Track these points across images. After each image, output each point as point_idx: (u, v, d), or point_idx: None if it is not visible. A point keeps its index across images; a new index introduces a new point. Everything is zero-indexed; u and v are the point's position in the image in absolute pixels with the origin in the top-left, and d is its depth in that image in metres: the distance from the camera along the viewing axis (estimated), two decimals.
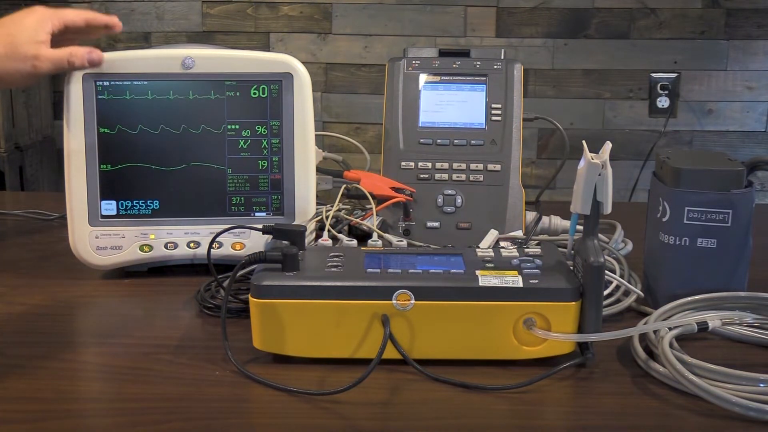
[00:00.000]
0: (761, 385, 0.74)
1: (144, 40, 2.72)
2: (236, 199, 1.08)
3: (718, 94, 2.69)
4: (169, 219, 1.07)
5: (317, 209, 1.11)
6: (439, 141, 1.17)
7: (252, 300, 0.81)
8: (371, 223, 1.11)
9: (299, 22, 2.70)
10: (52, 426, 0.72)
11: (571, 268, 0.85)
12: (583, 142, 0.84)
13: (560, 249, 0.90)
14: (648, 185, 1.01)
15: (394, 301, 0.80)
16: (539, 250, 0.88)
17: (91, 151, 1.05)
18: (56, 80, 2.67)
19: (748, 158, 0.96)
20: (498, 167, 1.15)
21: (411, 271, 0.82)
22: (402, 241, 1.10)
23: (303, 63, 1.07)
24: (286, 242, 0.86)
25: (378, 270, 0.82)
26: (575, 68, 2.68)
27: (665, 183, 0.94)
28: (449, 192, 1.15)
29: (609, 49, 2.67)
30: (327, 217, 1.09)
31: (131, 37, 2.72)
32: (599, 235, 0.96)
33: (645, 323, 0.86)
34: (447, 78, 1.20)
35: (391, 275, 0.81)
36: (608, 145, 0.81)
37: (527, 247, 0.90)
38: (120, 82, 1.04)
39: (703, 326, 0.86)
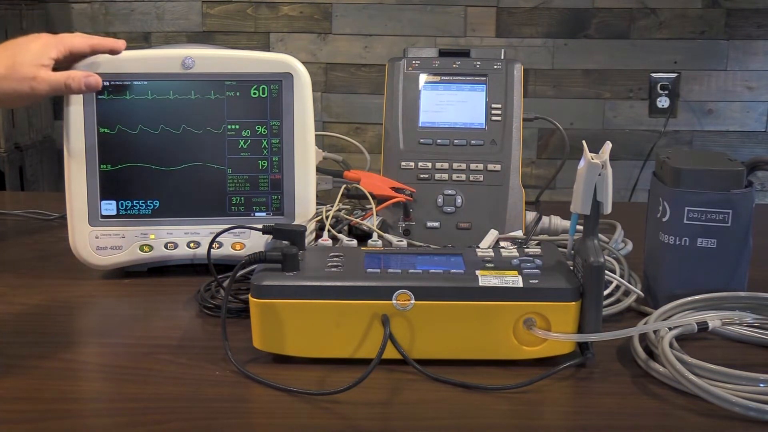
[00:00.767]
0: (761, 385, 0.74)
1: (144, 40, 2.72)
2: (236, 199, 1.08)
3: (718, 94, 2.69)
4: (169, 219, 1.07)
5: (317, 209, 1.11)
6: (439, 141, 1.17)
7: (252, 300, 0.81)
8: (371, 223, 1.11)
9: (299, 22, 2.70)
10: (52, 426, 0.72)
11: (571, 268, 0.85)
12: (583, 142, 0.84)
13: (560, 249, 0.90)
14: (648, 185, 1.01)
15: (394, 301, 0.80)
16: (539, 250, 0.88)
17: (91, 151, 1.05)
18: None
19: (748, 158, 0.96)
20: (498, 167, 1.15)
21: (411, 271, 0.82)
22: (402, 241, 1.10)
23: (303, 63, 1.07)
24: (286, 242, 0.86)
25: (378, 270, 0.82)
26: (575, 68, 2.69)
27: (665, 183, 0.94)
28: (449, 192, 1.15)
29: (609, 49, 2.67)
30: (327, 217, 1.09)
31: (131, 37, 2.72)
32: (599, 235, 0.96)
33: (645, 323, 0.86)
34: (447, 78, 1.20)
35: (391, 275, 0.81)
36: (608, 145, 0.81)
37: (527, 247, 0.90)
38: (120, 82, 1.04)
39: (703, 326, 0.86)
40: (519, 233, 1.12)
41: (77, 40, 1.00)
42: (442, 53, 1.21)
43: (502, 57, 1.20)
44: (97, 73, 1.03)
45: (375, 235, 1.08)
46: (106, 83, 1.04)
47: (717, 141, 2.72)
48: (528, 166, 2.70)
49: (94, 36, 1.02)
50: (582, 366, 0.83)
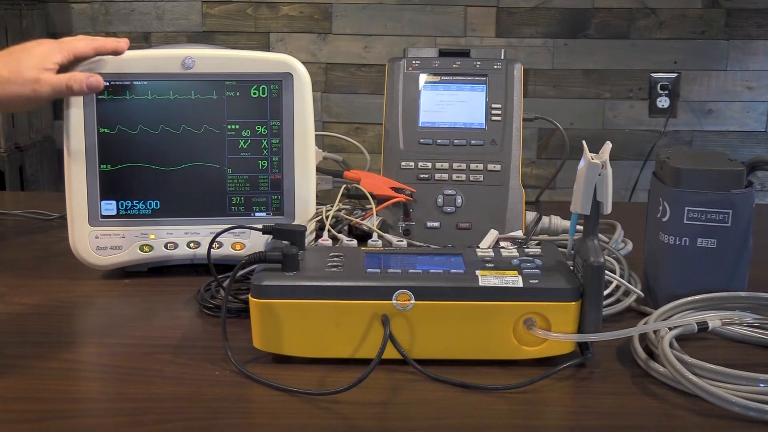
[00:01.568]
0: (761, 385, 0.74)
1: (144, 40, 2.72)
2: (236, 199, 1.08)
3: (718, 94, 2.69)
4: (169, 219, 1.07)
5: (317, 209, 1.11)
6: (439, 141, 1.17)
7: (252, 300, 0.81)
8: (371, 223, 1.11)
9: (299, 22, 2.70)
10: (52, 426, 0.72)
11: (571, 268, 0.85)
12: (583, 142, 0.84)
13: (560, 249, 0.90)
14: (648, 185, 1.01)
15: (394, 301, 0.80)
16: (539, 250, 0.88)
17: (91, 151, 1.05)
18: None
19: (748, 158, 0.96)
20: (498, 167, 1.15)
21: (411, 271, 0.82)
22: (402, 241, 1.10)
23: (303, 63, 1.07)
24: (286, 242, 0.86)
25: (378, 270, 0.82)
26: (575, 68, 2.69)
27: (665, 183, 0.94)
28: (449, 192, 1.15)
29: (609, 49, 2.67)
30: (327, 217, 1.09)
31: (131, 37, 2.72)
32: (599, 235, 0.96)
33: (645, 323, 0.86)
34: (447, 78, 1.20)
35: (391, 275, 0.81)
36: (608, 145, 0.81)
37: (527, 247, 0.90)
38: (120, 82, 1.04)
39: (703, 326, 0.86)
40: (519, 233, 1.12)
41: (81, 44, 1.00)
42: (442, 53, 1.21)
43: (502, 57, 1.20)
44: (96, 73, 1.03)
45: (375, 235, 1.08)
46: (107, 83, 1.04)
47: (717, 141, 2.72)
48: (528, 166, 2.70)
49: (97, 38, 1.02)
50: (582, 366, 0.83)
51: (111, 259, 1.06)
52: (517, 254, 0.87)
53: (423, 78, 1.20)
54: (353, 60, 2.72)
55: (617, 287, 0.97)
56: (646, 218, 0.99)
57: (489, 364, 0.82)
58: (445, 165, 1.16)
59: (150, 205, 1.07)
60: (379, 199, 1.13)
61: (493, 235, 1.09)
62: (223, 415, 0.73)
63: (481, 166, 1.15)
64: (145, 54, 1.06)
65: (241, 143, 1.07)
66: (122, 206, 1.07)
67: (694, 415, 0.74)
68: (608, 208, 0.81)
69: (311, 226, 1.08)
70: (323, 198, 1.22)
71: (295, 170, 1.08)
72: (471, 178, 1.15)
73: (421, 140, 1.18)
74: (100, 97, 1.04)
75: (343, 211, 1.23)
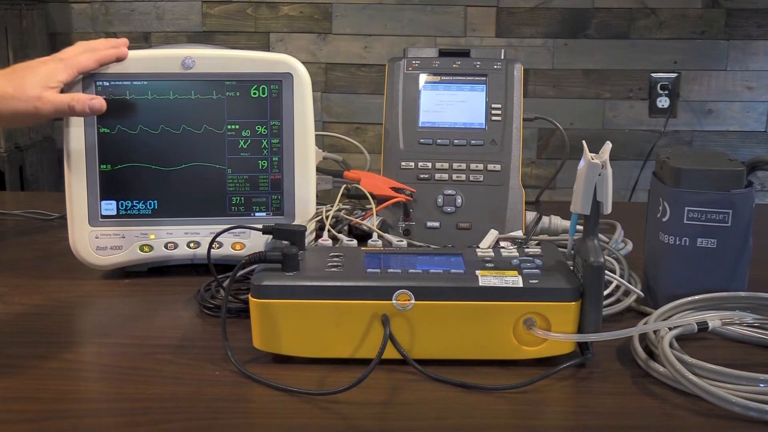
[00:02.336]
0: (761, 385, 0.74)
1: (144, 40, 2.72)
2: (236, 199, 1.09)
3: (718, 94, 2.69)
4: (169, 219, 1.07)
5: (317, 209, 1.11)
6: (439, 141, 1.17)
7: (252, 300, 0.81)
8: (371, 223, 1.11)
9: (299, 22, 2.70)
10: (52, 426, 0.72)
11: (571, 268, 0.85)
12: (583, 142, 0.84)
13: (560, 249, 0.90)
14: (648, 185, 1.01)
15: (394, 301, 0.80)
16: (539, 250, 0.88)
17: (91, 151, 1.05)
18: None
19: (748, 158, 0.96)
20: (498, 167, 1.15)
21: (411, 271, 0.82)
22: (402, 241, 1.10)
23: (303, 63, 1.07)
24: (286, 242, 0.86)
25: (378, 270, 0.82)
26: (575, 68, 2.69)
27: (665, 183, 0.94)
28: (449, 192, 1.15)
29: (609, 49, 2.67)
30: (327, 217, 1.09)
31: (131, 37, 2.72)
32: (599, 235, 0.96)
33: (645, 323, 0.86)
34: (447, 78, 1.20)
35: (391, 275, 0.81)
36: (608, 145, 0.81)
37: (527, 247, 0.90)
38: (120, 82, 1.04)
39: (703, 326, 0.86)
40: (519, 233, 1.12)
41: (84, 60, 1.00)
42: (442, 53, 1.22)
43: (502, 57, 1.20)
44: (97, 73, 1.03)
45: (375, 235, 1.08)
46: (107, 83, 1.04)
47: (717, 141, 2.72)
48: (528, 166, 2.70)
49: (98, 48, 1.03)
50: (582, 366, 0.83)
51: (111, 259, 1.06)
52: (517, 254, 0.87)
53: (423, 78, 1.20)
54: (353, 60, 2.72)
55: (617, 287, 0.97)
56: (646, 218, 0.99)
57: (489, 364, 0.82)
58: (445, 165, 1.16)
59: (150, 205, 1.07)
60: (379, 199, 1.13)
61: (493, 235, 1.09)
62: (223, 415, 0.73)
63: (481, 166, 1.15)
64: (145, 54, 1.06)
65: (241, 143, 1.07)
66: (122, 206, 1.07)
67: (694, 415, 0.74)
68: (608, 208, 0.81)
69: (311, 226, 1.08)
70: (323, 198, 1.22)
71: (295, 170, 1.08)
72: (471, 178, 1.15)
73: (421, 140, 1.18)
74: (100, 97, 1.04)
75: (343, 211, 1.23)
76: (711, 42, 2.66)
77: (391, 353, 0.79)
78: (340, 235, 1.09)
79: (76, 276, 1.08)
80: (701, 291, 0.91)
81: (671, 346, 0.80)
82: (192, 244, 1.07)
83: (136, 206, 1.07)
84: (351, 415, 0.74)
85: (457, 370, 0.80)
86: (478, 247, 0.91)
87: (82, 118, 1.03)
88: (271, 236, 0.89)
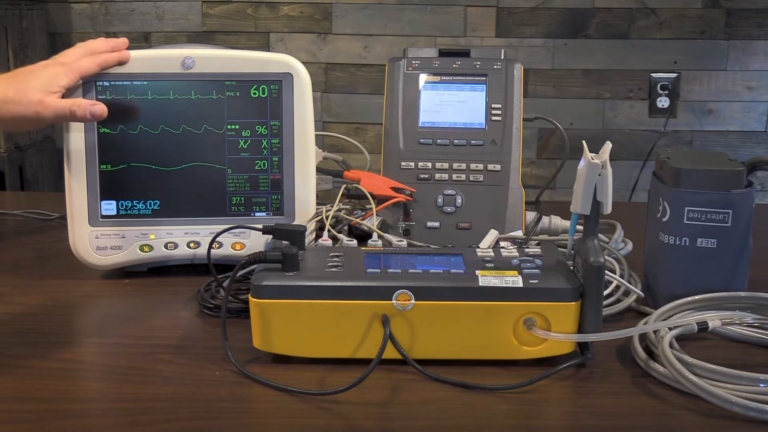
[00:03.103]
0: (761, 385, 0.74)
1: (144, 40, 2.72)
2: (236, 199, 1.09)
3: (718, 94, 2.69)
4: (169, 219, 1.07)
5: (317, 209, 1.11)
6: (439, 141, 1.17)
7: (252, 300, 0.81)
8: (371, 223, 1.11)
9: (299, 22, 2.70)
10: (52, 426, 0.72)
11: (571, 268, 0.85)
12: (583, 142, 0.84)
13: (560, 249, 0.90)
14: (648, 185, 1.01)
15: (394, 301, 0.80)
16: (539, 250, 0.88)
17: (91, 151, 1.05)
18: None
19: (748, 158, 0.96)
20: (498, 167, 1.15)
21: (411, 271, 0.82)
22: (402, 241, 1.10)
23: (303, 63, 1.07)
24: (286, 242, 0.86)
25: (378, 270, 0.82)
26: (575, 68, 2.69)
27: (665, 183, 0.94)
28: (449, 192, 1.15)
29: (609, 49, 2.67)
30: (327, 217, 1.09)
31: (131, 37, 2.71)
32: (599, 235, 0.96)
33: (645, 323, 0.86)
34: (447, 78, 1.20)
35: (391, 275, 0.81)
36: (608, 145, 0.81)
37: (527, 247, 0.90)
38: (120, 82, 1.04)
39: (703, 326, 0.86)
40: (519, 233, 1.12)
41: (85, 64, 1.00)
42: (442, 53, 1.21)
43: (502, 57, 1.20)
44: (97, 74, 1.03)
45: (375, 235, 1.08)
46: (107, 83, 1.04)
47: (717, 141, 2.72)
48: (528, 166, 2.70)
49: (99, 52, 1.02)
50: (582, 366, 0.83)
51: (111, 259, 1.06)
52: (517, 254, 0.87)
53: (423, 78, 1.20)
54: (353, 60, 2.72)
55: (617, 287, 0.97)
56: (646, 218, 0.99)
57: (489, 364, 0.82)
58: (445, 165, 1.16)
59: (150, 205, 1.07)
60: (379, 199, 1.13)
61: (493, 235, 1.09)
62: (223, 415, 0.73)
63: (481, 166, 1.15)
64: (145, 54, 1.06)
65: (241, 143, 1.07)
66: (122, 206, 1.07)
67: (694, 415, 0.74)
68: (608, 208, 0.81)
69: (311, 226, 1.08)
70: (323, 198, 1.22)
71: (295, 170, 1.08)
72: (471, 178, 1.15)
73: (421, 140, 1.18)
74: (100, 97, 1.04)
75: (343, 211, 1.23)
76: (711, 42, 2.66)
77: (391, 353, 0.79)
78: (340, 235, 1.09)
79: (76, 276, 1.08)
80: (701, 291, 0.91)
81: (671, 346, 0.80)
82: (192, 244, 1.07)
83: (136, 206, 1.07)
84: (351, 415, 0.74)
85: (457, 370, 0.80)
86: (478, 247, 0.91)
87: None
88: (271, 236, 0.89)
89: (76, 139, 1.04)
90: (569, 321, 0.81)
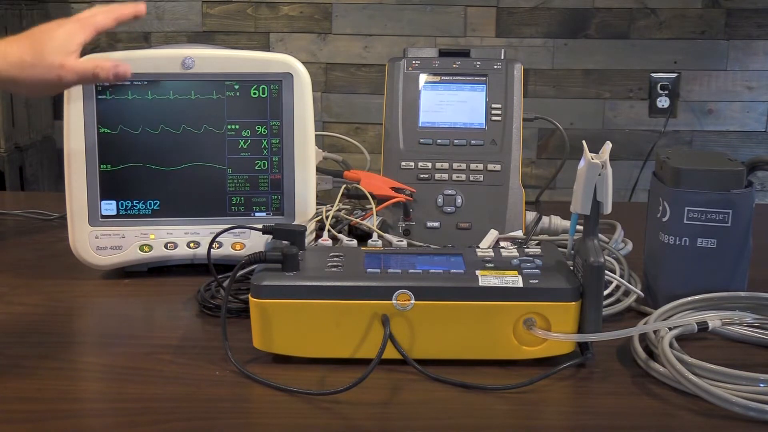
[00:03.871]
0: (761, 385, 0.74)
1: (144, 40, 2.72)
2: (236, 199, 1.09)
3: (718, 94, 2.69)
4: (169, 219, 1.07)
5: (317, 209, 1.11)
6: (439, 141, 1.17)
7: (252, 300, 0.81)
8: (371, 223, 1.11)
9: (299, 22, 2.70)
10: (52, 426, 0.72)
11: (571, 268, 0.85)
12: (583, 142, 0.84)
13: (560, 249, 0.90)
14: (648, 185, 1.01)
15: (394, 301, 0.80)
16: (539, 250, 0.88)
17: (91, 151, 1.05)
18: None
19: (748, 158, 0.96)
20: (498, 167, 1.15)
21: (411, 271, 0.82)
22: (402, 241, 1.10)
23: (303, 63, 1.07)
24: (286, 242, 0.86)
25: (378, 270, 0.82)
26: (575, 68, 2.68)
27: (665, 183, 0.94)
28: (449, 192, 1.15)
29: (609, 49, 2.67)
30: (327, 217, 1.09)
31: (131, 37, 2.72)
32: (599, 235, 0.96)
33: (645, 323, 0.86)
34: (447, 78, 1.20)
35: (391, 275, 0.81)
36: (608, 145, 0.81)
37: (527, 247, 0.90)
38: (120, 82, 1.04)
39: (703, 326, 0.86)
40: (519, 233, 1.12)
41: (101, 18, 0.95)
42: (442, 53, 1.22)
43: (502, 57, 1.20)
44: None
45: (375, 235, 1.08)
46: (107, 83, 1.04)
47: (717, 141, 2.72)
48: (528, 166, 2.70)
49: (114, 6, 0.97)
50: (582, 366, 0.83)
51: (111, 259, 1.06)
52: (517, 254, 0.87)
53: (423, 78, 1.20)
54: (353, 60, 2.72)
55: (617, 287, 0.97)
56: (646, 218, 0.99)
57: (489, 364, 0.82)
58: (445, 165, 1.16)
59: (150, 205, 1.07)
60: (379, 199, 1.13)
61: (493, 235, 1.09)
62: (223, 415, 0.73)
63: (481, 166, 1.15)
64: (145, 54, 1.06)
65: (241, 143, 1.07)
66: (122, 206, 1.07)
67: (694, 415, 0.74)
68: (608, 208, 0.81)
69: (311, 226, 1.08)
70: (323, 198, 1.22)
71: (295, 170, 1.08)
72: (471, 178, 1.15)
73: (421, 140, 1.18)
74: (100, 97, 1.04)
75: (343, 211, 1.23)
76: (711, 42, 2.65)
77: (391, 353, 0.79)
78: (340, 235, 1.09)
79: (76, 276, 1.08)
80: (701, 291, 0.91)
81: (671, 346, 0.80)
82: (192, 244, 1.07)
83: (136, 206, 1.07)
84: (351, 415, 0.74)
85: (457, 370, 0.80)
86: (478, 247, 0.91)
87: (82, 116, 1.03)
88: (271, 236, 0.89)
89: (76, 139, 1.04)
90: (569, 321, 0.81)
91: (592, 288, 0.80)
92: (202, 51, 1.07)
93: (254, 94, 1.07)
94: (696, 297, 0.91)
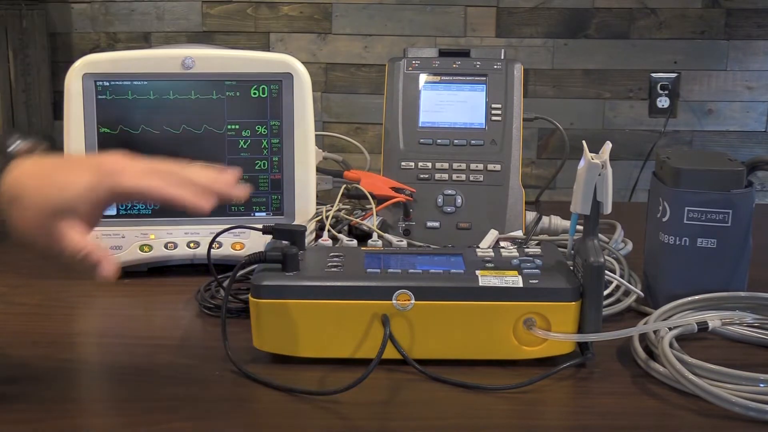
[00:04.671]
0: (761, 385, 0.74)
1: (144, 40, 2.72)
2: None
3: (718, 94, 2.69)
4: (169, 219, 1.07)
5: (317, 209, 1.11)
6: (439, 141, 1.17)
7: (252, 300, 0.81)
8: (371, 223, 1.11)
9: (299, 22, 2.70)
10: (52, 426, 0.72)
11: (571, 268, 0.85)
12: (583, 142, 0.84)
13: (560, 249, 0.90)
14: (648, 185, 1.01)
15: (394, 301, 0.80)
16: (539, 250, 0.88)
17: (91, 151, 1.05)
18: (56, 80, 2.67)
19: (748, 158, 0.96)
20: (498, 167, 1.15)
21: (411, 271, 0.82)
22: (402, 241, 1.10)
23: (303, 63, 1.07)
24: (286, 242, 0.86)
25: (378, 270, 0.82)
26: (575, 68, 2.68)
27: (665, 183, 0.94)
28: (449, 192, 1.15)
29: (609, 49, 2.67)
30: (327, 217, 1.09)
31: (131, 37, 2.72)
32: (599, 235, 0.96)
33: (645, 323, 0.86)
34: (447, 78, 1.20)
35: (391, 275, 0.81)
36: (608, 145, 0.81)
37: (527, 247, 0.90)
38: (120, 82, 1.04)
39: (703, 326, 0.86)
40: (519, 233, 1.12)
41: (132, 183, 0.71)
42: (442, 53, 1.22)
43: (502, 57, 1.20)
44: (97, 73, 1.03)
45: (375, 235, 1.08)
46: (107, 83, 1.04)
47: (717, 141, 2.72)
48: (528, 166, 2.70)
49: (211, 172, 0.77)
50: (582, 366, 0.82)
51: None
52: (517, 254, 0.87)
53: (423, 78, 1.20)
54: (353, 60, 2.72)
55: (617, 287, 0.97)
56: (646, 218, 0.99)
57: (489, 364, 0.82)
58: (445, 165, 1.16)
59: (150, 205, 1.07)
60: (379, 199, 1.13)
61: (493, 235, 1.09)
62: (223, 415, 0.73)
63: (481, 166, 1.15)
64: (145, 54, 1.06)
65: (241, 143, 1.07)
66: (122, 206, 1.07)
67: (694, 415, 0.74)
68: (608, 208, 0.81)
69: (311, 226, 1.08)
70: (323, 198, 1.22)
71: (295, 170, 1.08)
72: (471, 178, 1.15)
73: (421, 140, 1.18)
74: (100, 97, 1.04)
75: (343, 211, 1.23)
76: (711, 42, 2.65)
77: (391, 353, 0.79)
78: (340, 235, 1.09)
79: (76, 276, 1.08)
80: (701, 291, 0.91)
81: (671, 346, 0.80)
82: (192, 244, 1.07)
83: (136, 206, 1.07)
84: (351, 415, 0.74)
85: (457, 370, 0.80)
86: (478, 247, 0.91)
87: (82, 116, 1.03)
88: (271, 236, 0.89)
89: (76, 139, 1.04)
90: (569, 321, 0.81)
91: (592, 288, 0.80)
92: (202, 51, 1.07)
93: (254, 94, 1.07)
94: (696, 297, 0.91)
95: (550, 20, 2.66)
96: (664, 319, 0.87)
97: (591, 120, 2.70)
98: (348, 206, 1.26)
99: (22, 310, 0.98)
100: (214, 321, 0.93)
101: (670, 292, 0.93)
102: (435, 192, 1.16)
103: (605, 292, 0.94)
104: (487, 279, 0.81)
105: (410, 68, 1.20)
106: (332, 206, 1.13)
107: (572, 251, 0.87)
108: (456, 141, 1.17)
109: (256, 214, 1.09)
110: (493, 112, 1.18)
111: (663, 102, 2.67)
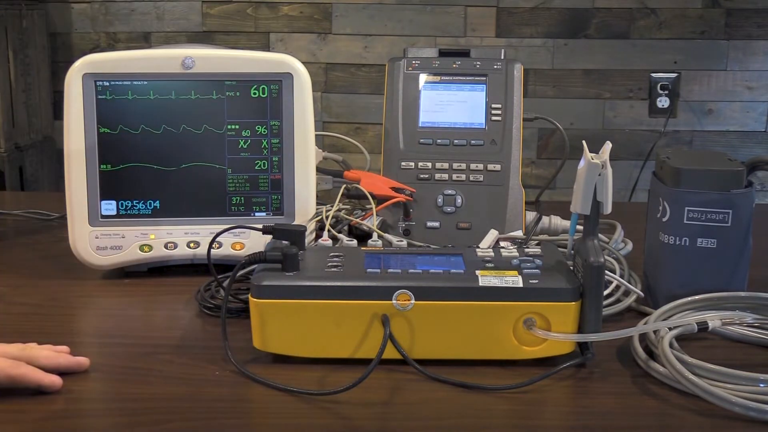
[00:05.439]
0: (761, 385, 0.74)
1: (144, 40, 2.72)
2: (236, 199, 1.08)
3: (718, 94, 2.69)
4: (169, 219, 1.07)
5: (317, 209, 1.11)
6: (439, 141, 1.17)
7: (252, 300, 0.81)
8: (371, 223, 1.11)
9: (299, 22, 2.70)
10: (52, 426, 0.72)
11: (571, 268, 0.85)
12: (583, 142, 0.84)
13: (560, 249, 0.90)
14: (648, 185, 1.01)
15: (394, 301, 0.80)
16: (539, 250, 0.88)
17: (91, 151, 1.05)
18: (56, 80, 2.67)
19: (748, 158, 0.96)
20: (498, 167, 1.15)
21: (411, 271, 0.82)
22: (402, 241, 1.10)
23: (303, 63, 1.07)
24: (286, 242, 0.86)
25: (378, 270, 0.82)
26: (575, 68, 2.69)
27: (665, 183, 0.94)
28: (449, 192, 1.15)
29: (609, 49, 2.67)
30: (327, 217, 1.09)
31: (131, 37, 2.72)
32: (599, 235, 0.96)
33: (645, 323, 0.86)
34: (447, 78, 1.20)
35: (391, 275, 0.81)
36: (608, 145, 0.81)
37: (527, 247, 0.90)
38: (120, 82, 1.04)
39: (703, 326, 0.86)
40: (519, 233, 1.12)
41: (27, 370, 0.76)
42: (442, 53, 1.22)
43: (502, 57, 1.20)
44: (97, 73, 1.03)
45: (375, 235, 1.08)
46: (107, 83, 1.04)
47: (717, 141, 2.72)
48: (528, 166, 2.70)
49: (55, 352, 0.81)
50: (582, 366, 0.82)
51: (111, 259, 1.06)
52: (517, 254, 0.87)
53: (423, 78, 1.20)
54: (353, 60, 2.72)
55: (617, 287, 0.97)
56: (646, 218, 0.99)
57: (489, 364, 0.82)
58: (445, 165, 1.16)
59: (150, 205, 1.07)
60: (379, 199, 1.13)
61: (493, 235, 1.09)
62: (222, 415, 0.73)
63: (481, 166, 1.15)
64: (145, 54, 1.06)
65: (241, 143, 1.07)
66: (122, 206, 1.07)
67: (694, 415, 0.74)
68: (608, 208, 0.81)
69: (311, 226, 1.08)
70: (323, 198, 1.22)
71: (295, 170, 1.08)
72: (471, 178, 1.15)
73: (421, 140, 1.18)
74: (100, 97, 1.04)
75: (343, 211, 1.23)
76: (711, 42, 2.65)
77: (391, 353, 0.79)
78: (340, 235, 1.09)
79: (76, 276, 1.08)
80: (701, 291, 0.91)
81: (671, 346, 0.80)
82: (192, 244, 1.07)
83: (136, 206, 1.07)
84: (351, 415, 0.74)
85: (457, 370, 0.80)
86: (478, 247, 0.91)
87: (82, 116, 1.03)
88: (271, 236, 0.89)
89: (76, 139, 1.04)
90: (569, 321, 0.81)
91: (592, 288, 0.80)
92: (202, 51, 1.07)
93: (254, 94, 1.07)
94: (696, 297, 0.91)
95: (550, 20, 2.66)
96: (664, 319, 0.87)
97: (591, 120, 2.70)
98: (348, 206, 1.26)
99: (22, 310, 0.98)
100: (214, 321, 0.93)
101: (670, 292, 0.93)
102: (435, 192, 1.16)
103: (605, 292, 0.94)
104: (487, 279, 0.81)
105: (410, 68, 1.20)
106: (332, 206, 1.13)
107: (572, 251, 0.87)
108: (456, 141, 1.17)
109: (256, 214, 1.09)
110: (493, 112, 1.18)
111: (663, 102, 2.67)
